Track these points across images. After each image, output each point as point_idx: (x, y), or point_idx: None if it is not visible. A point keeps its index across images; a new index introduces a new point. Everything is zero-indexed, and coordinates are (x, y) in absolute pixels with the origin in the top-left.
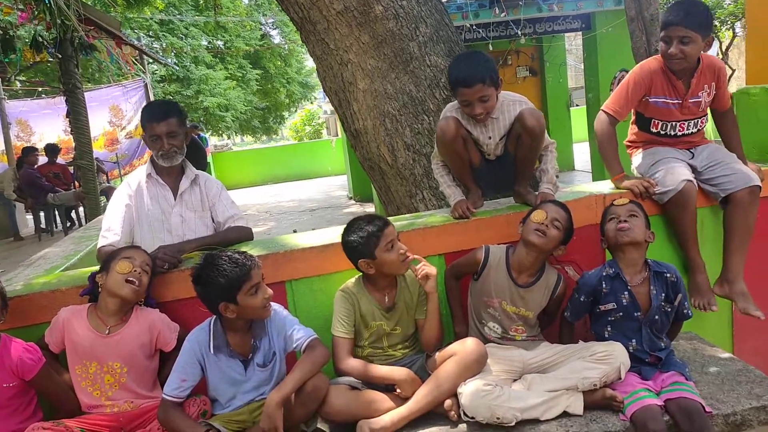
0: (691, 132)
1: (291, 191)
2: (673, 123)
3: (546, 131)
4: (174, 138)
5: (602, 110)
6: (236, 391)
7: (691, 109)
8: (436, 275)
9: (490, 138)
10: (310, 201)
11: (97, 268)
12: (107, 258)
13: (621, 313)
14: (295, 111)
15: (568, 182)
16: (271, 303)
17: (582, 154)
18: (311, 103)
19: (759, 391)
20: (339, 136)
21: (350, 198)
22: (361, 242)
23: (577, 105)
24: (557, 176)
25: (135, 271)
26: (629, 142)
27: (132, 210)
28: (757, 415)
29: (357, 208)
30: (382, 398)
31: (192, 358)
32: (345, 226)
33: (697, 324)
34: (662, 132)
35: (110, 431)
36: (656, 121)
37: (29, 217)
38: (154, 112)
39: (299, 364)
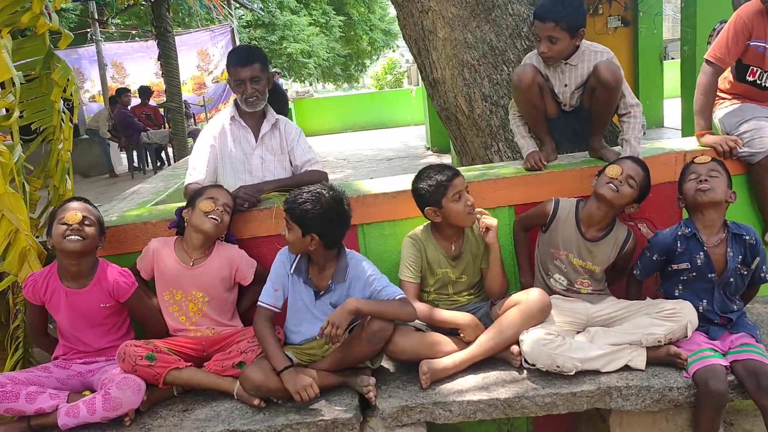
0: None
1: (369, 140)
2: None
3: (631, 90)
4: (257, 83)
5: (705, 58)
6: (303, 318)
7: None
8: (496, 227)
9: (566, 86)
10: (388, 150)
11: (183, 203)
12: (193, 195)
13: (694, 273)
14: (377, 59)
15: (656, 140)
16: (361, 258)
17: (673, 110)
18: (393, 51)
19: None
20: (419, 85)
21: (428, 149)
22: (430, 190)
23: (672, 58)
24: (640, 144)
25: (217, 209)
26: (718, 90)
27: (216, 150)
28: None
29: (434, 159)
30: (445, 341)
31: (282, 270)
32: (417, 173)
33: None
34: (758, 82)
35: (194, 353)
36: (754, 69)
37: (123, 155)
38: (240, 57)
39: (388, 301)
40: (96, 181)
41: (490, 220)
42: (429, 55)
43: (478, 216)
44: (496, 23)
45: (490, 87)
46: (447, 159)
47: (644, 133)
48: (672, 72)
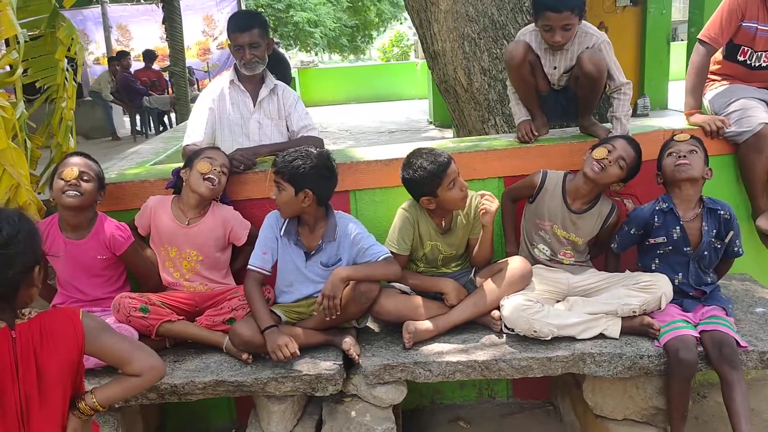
0: None
1: (373, 112)
2: (759, 53)
3: (620, 69)
4: (256, 48)
5: (698, 38)
6: (294, 279)
7: None
8: (494, 212)
9: (555, 68)
10: (391, 123)
11: (181, 164)
12: (191, 156)
13: (670, 247)
14: (384, 31)
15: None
16: (349, 217)
17: (678, 92)
18: (401, 23)
19: None
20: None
21: (430, 122)
22: (423, 182)
23: (681, 39)
24: (629, 122)
25: (214, 170)
26: (709, 72)
27: (215, 113)
28: None
29: (436, 133)
30: (429, 304)
31: (270, 234)
32: (405, 159)
33: (754, 267)
34: (749, 62)
35: (187, 307)
36: (745, 49)
37: (126, 119)
38: (238, 23)
39: (374, 264)
40: (98, 143)
41: (490, 204)
42: (430, 27)
43: (479, 197)
44: None
45: (490, 61)
46: (449, 134)
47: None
48: (679, 53)
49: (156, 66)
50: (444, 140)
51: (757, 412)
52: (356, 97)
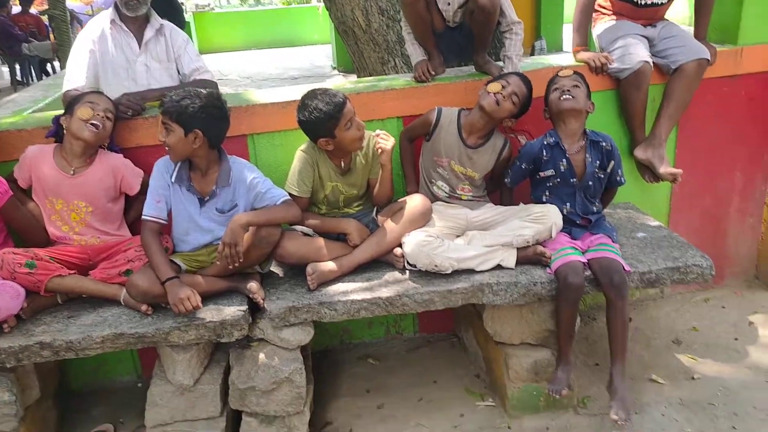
0: (661, 3)
1: (274, 58)
2: None
3: (512, 7)
4: None
5: None
6: (190, 227)
7: None
8: (391, 150)
9: (449, 4)
10: (294, 69)
11: (62, 111)
12: (71, 101)
13: (558, 179)
14: None
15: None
16: (244, 162)
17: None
18: None
19: (677, 254)
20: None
21: (334, 68)
22: (320, 123)
23: None
24: (521, 61)
25: (97, 115)
26: (598, 6)
27: (96, 56)
28: (671, 275)
29: (341, 79)
30: (332, 245)
31: (161, 181)
32: (300, 101)
33: (637, 196)
34: (636, 0)
35: (79, 261)
36: None
37: (5, 69)
38: None
39: (274, 207)
40: None
41: (385, 143)
42: None
43: (376, 137)
44: None
45: (387, 1)
46: (353, 78)
47: (521, 60)
48: None
49: (34, 10)
50: (342, 81)
51: (641, 330)
52: (257, 43)
